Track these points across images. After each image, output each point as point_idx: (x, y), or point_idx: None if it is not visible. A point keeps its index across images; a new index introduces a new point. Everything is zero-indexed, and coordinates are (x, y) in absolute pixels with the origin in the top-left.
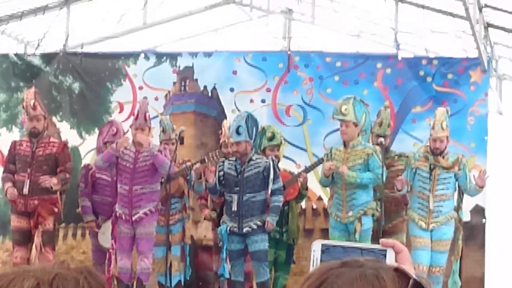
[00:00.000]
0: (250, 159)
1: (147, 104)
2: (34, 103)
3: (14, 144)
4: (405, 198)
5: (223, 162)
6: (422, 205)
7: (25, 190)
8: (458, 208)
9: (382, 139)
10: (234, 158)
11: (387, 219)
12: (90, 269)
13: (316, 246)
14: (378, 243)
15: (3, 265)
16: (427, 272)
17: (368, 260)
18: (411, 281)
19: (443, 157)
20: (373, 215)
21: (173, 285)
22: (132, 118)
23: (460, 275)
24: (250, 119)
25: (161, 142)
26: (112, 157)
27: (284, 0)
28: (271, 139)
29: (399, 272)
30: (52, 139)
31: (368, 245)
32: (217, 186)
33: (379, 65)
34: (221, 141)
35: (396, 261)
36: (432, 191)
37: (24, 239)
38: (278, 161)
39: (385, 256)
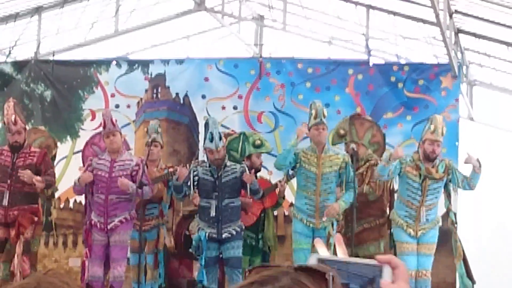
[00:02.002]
0: (225, 165)
1: (110, 111)
2: (15, 119)
3: None
4: (381, 204)
5: (197, 167)
6: (409, 214)
7: (5, 202)
8: (448, 210)
9: (353, 145)
10: (208, 164)
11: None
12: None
13: (312, 260)
14: (347, 247)
15: None
16: (414, 276)
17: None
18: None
19: (433, 167)
20: (337, 221)
21: None
22: None
23: (469, 276)
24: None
25: (146, 144)
26: (83, 189)
27: (256, 7)
28: (259, 146)
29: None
30: (32, 149)
31: (364, 260)
32: (184, 186)
33: (350, 71)
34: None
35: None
36: (422, 203)
37: None
38: (260, 168)
39: (381, 272)
